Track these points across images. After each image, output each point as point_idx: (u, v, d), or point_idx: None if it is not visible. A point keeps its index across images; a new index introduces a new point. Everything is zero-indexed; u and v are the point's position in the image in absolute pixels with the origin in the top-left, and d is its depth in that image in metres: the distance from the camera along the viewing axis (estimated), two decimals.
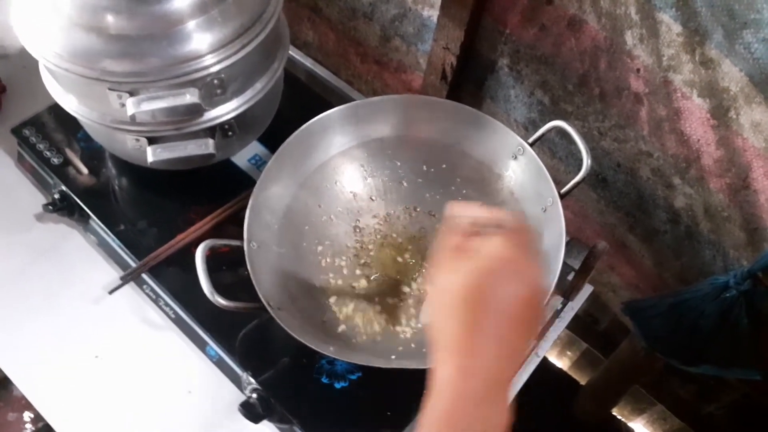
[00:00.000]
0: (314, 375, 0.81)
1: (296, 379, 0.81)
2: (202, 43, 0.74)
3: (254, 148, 0.99)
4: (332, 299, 0.84)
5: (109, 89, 0.74)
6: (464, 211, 0.50)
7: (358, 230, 0.90)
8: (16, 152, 1.00)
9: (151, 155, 0.80)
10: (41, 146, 0.96)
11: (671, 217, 0.94)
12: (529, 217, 0.84)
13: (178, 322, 0.88)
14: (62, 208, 0.93)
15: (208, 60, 0.74)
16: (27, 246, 0.94)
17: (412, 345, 0.79)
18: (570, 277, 0.88)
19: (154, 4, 0.71)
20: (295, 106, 1.00)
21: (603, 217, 1.04)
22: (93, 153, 0.97)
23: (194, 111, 0.79)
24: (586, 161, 0.77)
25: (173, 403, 0.84)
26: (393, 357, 0.76)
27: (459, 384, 0.42)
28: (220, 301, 0.71)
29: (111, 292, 0.89)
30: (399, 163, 0.93)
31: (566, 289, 0.90)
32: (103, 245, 0.94)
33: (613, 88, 0.86)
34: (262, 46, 0.79)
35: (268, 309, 0.72)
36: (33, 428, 1.43)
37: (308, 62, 1.19)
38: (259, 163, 0.98)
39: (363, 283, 0.86)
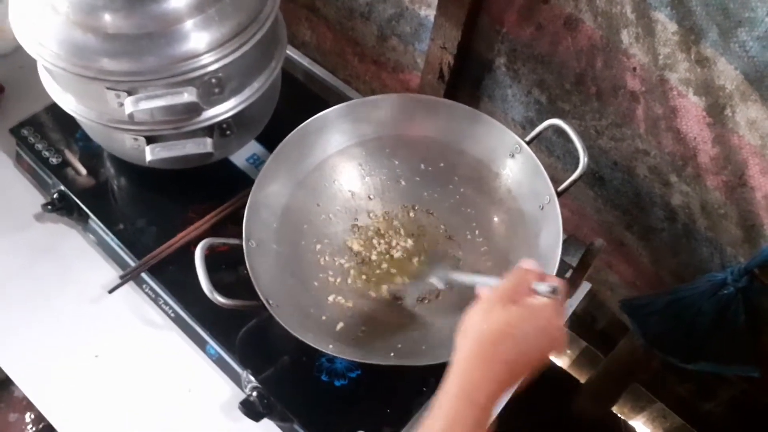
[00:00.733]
0: (314, 373, 0.81)
1: (296, 377, 0.81)
2: (200, 42, 0.74)
3: (252, 147, 0.99)
4: (331, 297, 0.84)
5: (107, 88, 0.75)
6: (534, 269, 0.57)
7: (356, 228, 0.91)
8: (14, 152, 1.00)
9: (150, 154, 0.81)
10: (40, 146, 0.97)
11: (668, 214, 0.94)
12: (526, 214, 0.84)
13: (177, 321, 0.88)
14: (61, 207, 0.93)
15: (206, 59, 0.75)
16: (26, 246, 0.95)
17: (411, 342, 0.79)
18: (568, 274, 0.88)
19: (151, 4, 0.72)
20: (292, 105, 1.00)
21: (600, 215, 1.05)
22: (91, 152, 0.97)
23: (192, 110, 0.79)
24: (583, 159, 0.78)
25: (173, 402, 0.84)
26: (392, 354, 0.76)
27: (460, 410, 0.49)
28: (220, 299, 0.72)
29: (110, 291, 0.89)
30: (397, 162, 0.93)
31: None
32: (102, 245, 0.94)
33: (610, 87, 0.87)
34: (259, 45, 0.79)
35: (267, 307, 0.73)
36: (34, 429, 1.44)
37: (306, 61, 1.19)
38: (258, 162, 0.98)
39: (361, 281, 0.86)
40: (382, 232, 0.90)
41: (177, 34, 0.73)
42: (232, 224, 0.91)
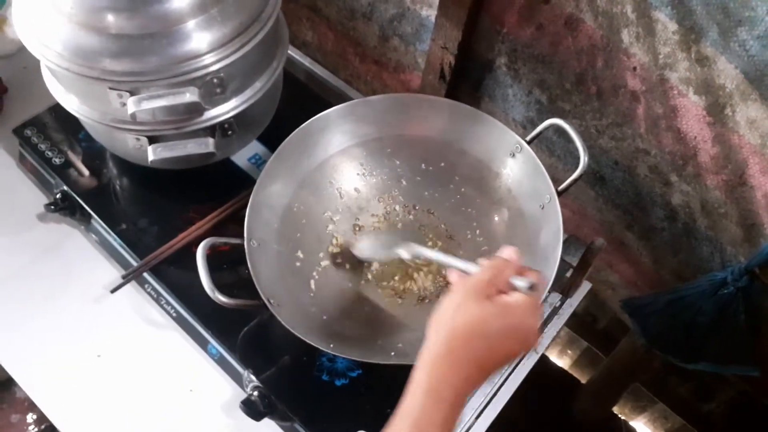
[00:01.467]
0: (315, 372, 0.82)
1: (297, 377, 0.81)
2: (202, 42, 0.75)
3: (254, 147, 0.99)
4: (332, 296, 0.84)
5: (110, 88, 0.75)
6: (513, 260, 0.55)
7: (357, 228, 0.91)
8: (17, 152, 1.01)
9: (152, 154, 0.81)
10: (43, 146, 0.97)
11: (669, 214, 0.94)
12: (527, 214, 0.84)
13: (179, 320, 0.88)
14: (64, 207, 0.94)
15: (208, 59, 0.75)
16: (29, 246, 0.95)
17: (412, 342, 0.79)
18: (568, 274, 0.88)
19: (154, 4, 0.72)
20: (294, 105, 1.00)
21: (601, 215, 1.05)
22: (94, 153, 0.98)
23: (194, 110, 0.79)
24: (583, 159, 0.78)
25: (175, 402, 0.84)
26: (392, 354, 0.76)
27: (428, 407, 0.49)
28: (221, 298, 0.72)
29: (113, 291, 0.89)
30: (398, 162, 0.93)
31: (564, 286, 0.91)
32: (104, 244, 0.94)
33: (610, 87, 0.87)
34: (261, 45, 0.80)
35: (269, 306, 0.73)
36: (36, 429, 1.44)
37: (307, 62, 1.19)
38: (259, 162, 0.99)
39: (363, 280, 0.87)
40: (383, 231, 0.90)
41: (179, 34, 0.73)
42: (233, 224, 0.91)
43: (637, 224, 1.01)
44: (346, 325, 0.81)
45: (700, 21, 0.72)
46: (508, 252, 0.56)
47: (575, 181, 0.78)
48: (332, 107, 0.88)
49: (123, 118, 0.79)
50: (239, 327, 0.84)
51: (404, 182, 0.93)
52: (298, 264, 0.85)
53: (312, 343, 0.71)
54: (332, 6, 1.20)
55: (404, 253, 0.77)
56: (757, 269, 0.80)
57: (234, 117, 0.84)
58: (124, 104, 0.75)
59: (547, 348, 0.92)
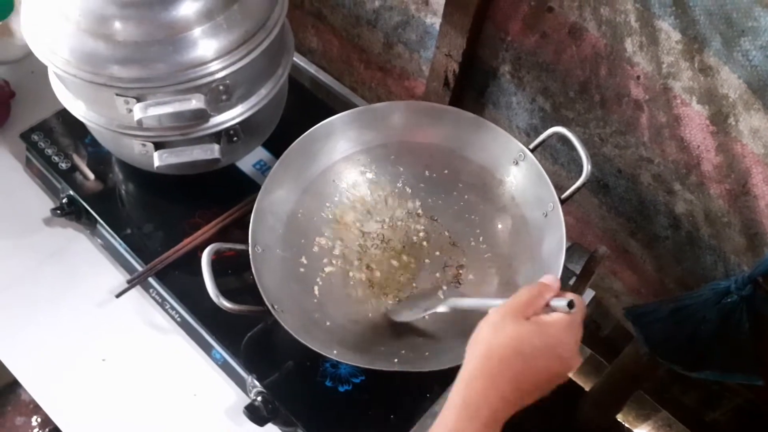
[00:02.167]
0: (318, 378, 0.82)
1: (300, 383, 0.82)
2: (208, 49, 0.75)
3: (259, 153, 1.00)
4: (336, 303, 0.84)
5: (117, 95, 0.76)
6: (553, 285, 0.55)
7: (361, 235, 0.91)
8: (24, 157, 1.02)
9: (158, 160, 0.81)
10: (49, 151, 0.98)
11: (672, 222, 0.94)
12: (530, 221, 0.85)
13: (183, 325, 0.89)
14: (69, 212, 0.94)
15: (214, 66, 0.76)
16: (34, 250, 0.96)
17: (415, 348, 0.79)
18: (572, 282, 0.88)
19: (160, 12, 0.73)
20: (299, 112, 1.01)
21: (605, 223, 1.05)
22: (100, 158, 0.98)
23: (200, 116, 0.80)
24: (587, 167, 0.78)
25: (179, 406, 0.85)
26: (396, 360, 0.76)
27: (460, 423, 0.48)
28: (226, 304, 0.72)
29: (117, 295, 0.90)
30: (402, 169, 0.94)
31: None
32: (109, 249, 0.95)
33: (614, 95, 0.87)
34: (266, 52, 0.80)
35: (273, 312, 0.73)
36: None
37: (312, 69, 1.20)
38: (264, 168, 0.99)
39: (366, 287, 0.87)
40: (387, 238, 0.91)
41: (185, 41, 0.74)
42: (238, 229, 0.91)
43: (640, 232, 1.01)
44: (349, 332, 0.81)
45: (704, 31, 0.72)
46: (549, 278, 0.56)
47: (579, 189, 0.78)
48: (337, 114, 0.88)
49: (129, 124, 0.79)
50: (243, 332, 0.84)
51: (408, 189, 0.94)
52: (302, 270, 0.86)
53: (316, 350, 0.71)
54: (337, 13, 1.21)
55: (442, 308, 0.77)
56: (760, 278, 0.80)
57: (239, 123, 0.84)
58: (131, 110, 0.76)
59: None
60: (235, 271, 0.87)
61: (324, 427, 0.79)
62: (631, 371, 1.20)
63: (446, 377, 0.84)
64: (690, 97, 0.79)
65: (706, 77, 0.76)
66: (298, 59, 1.20)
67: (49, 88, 0.86)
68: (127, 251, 0.91)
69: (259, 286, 0.75)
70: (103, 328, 0.90)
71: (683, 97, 0.80)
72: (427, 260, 0.89)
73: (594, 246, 0.85)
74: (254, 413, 0.78)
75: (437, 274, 0.87)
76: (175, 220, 0.93)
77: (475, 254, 0.89)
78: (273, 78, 0.87)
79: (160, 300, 0.90)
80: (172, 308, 0.89)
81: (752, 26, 0.68)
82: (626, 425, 1.49)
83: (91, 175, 0.96)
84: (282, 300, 0.77)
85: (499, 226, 0.89)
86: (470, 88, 1.07)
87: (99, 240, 0.96)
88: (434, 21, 1.03)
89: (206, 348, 0.87)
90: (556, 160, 1.03)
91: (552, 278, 0.56)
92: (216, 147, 0.83)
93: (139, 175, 0.93)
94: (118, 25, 0.72)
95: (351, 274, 0.88)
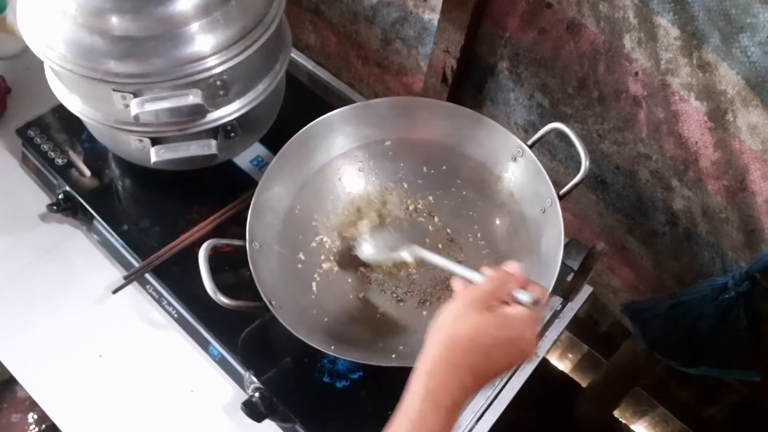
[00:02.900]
0: (316, 374, 0.82)
1: (298, 378, 0.82)
2: (205, 44, 0.75)
3: (256, 149, 1.00)
4: (333, 298, 0.84)
5: (113, 90, 0.75)
6: (517, 275, 0.56)
7: (359, 231, 0.91)
8: (20, 153, 1.01)
9: (155, 156, 0.81)
10: (45, 147, 0.97)
11: (670, 219, 0.94)
12: (528, 218, 0.85)
13: (180, 321, 0.89)
14: (66, 208, 0.94)
15: (211, 61, 0.75)
16: (31, 246, 0.95)
17: (413, 344, 0.79)
18: (569, 278, 0.88)
19: (158, 6, 0.72)
20: (296, 108, 1.01)
21: (602, 219, 1.05)
22: (97, 153, 0.98)
23: (197, 112, 0.80)
24: (585, 163, 0.78)
25: (176, 402, 0.85)
26: (393, 356, 0.77)
27: (425, 412, 0.49)
28: (223, 300, 0.72)
29: (114, 291, 0.89)
30: (400, 165, 0.94)
31: (565, 290, 0.91)
32: (106, 245, 0.95)
33: (612, 91, 0.87)
34: (264, 48, 0.80)
35: (270, 308, 0.73)
36: (37, 429, 1.44)
37: (310, 65, 1.20)
38: (261, 164, 0.99)
39: (363, 281, 0.87)
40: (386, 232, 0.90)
41: (183, 36, 0.74)
42: (235, 225, 0.91)
43: (638, 229, 1.01)
44: (347, 328, 0.81)
45: (702, 27, 0.72)
46: (512, 266, 0.57)
47: (576, 185, 0.78)
48: (334, 110, 0.88)
49: (126, 119, 0.79)
50: (241, 328, 0.84)
51: (406, 185, 0.94)
52: (299, 266, 0.85)
53: (313, 345, 0.71)
54: (335, 9, 1.20)
55: (407, 255, 0.78)
56: (758, 274, 0.80)
57: (237, 119, 0.84)
58: (128, 106, 0.76)
59: (548, 352, 0.92)
60: (232, 267, 0.87)
61: (322, 423, 0.78)
62: (628, 368, 1.20)
63: None
64: (688, 93, 0.79)
65: (704, 73, 0.76)
66: (296, 55, 1.20)
67: (46, 84, 0.86)
68: (123, 247, 0.91)
69: (256, 282, 0.75)
70: (99, 324, 0.90)
71: (681, 93, 0.80)
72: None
73: (592, 242, 0.85)
74: (252, 409, 0.78)
75: (435, 270, 0.87)
76: (172, 216, 0.93)
77: (473, 250, 0.89)
78: (270, 74, 0.87)
79: (157, 296, 0.90)
80: (169, 304, 0.89)
81: (751, 22, 0.68)
82: (623, 421, 1.49)
83: (88, 171, 0.96)
84: (279, 296, 0.77)
85: (498, 222, 0.89)
86: (468, 85, 1.06)
87: (95, 236, 0.96)
88: (432, 17, 1.03)
89: (203, 344, 0.87)
90: (554, 156, 1.03)
91: (516, 266, 0.57)
92: (213, 143, 0.82)
93: (136, 170, 0.93)
94: (114, 19, 0.72)
95: (349, 270, 0.88)
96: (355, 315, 0.84)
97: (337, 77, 1.20)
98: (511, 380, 0.87)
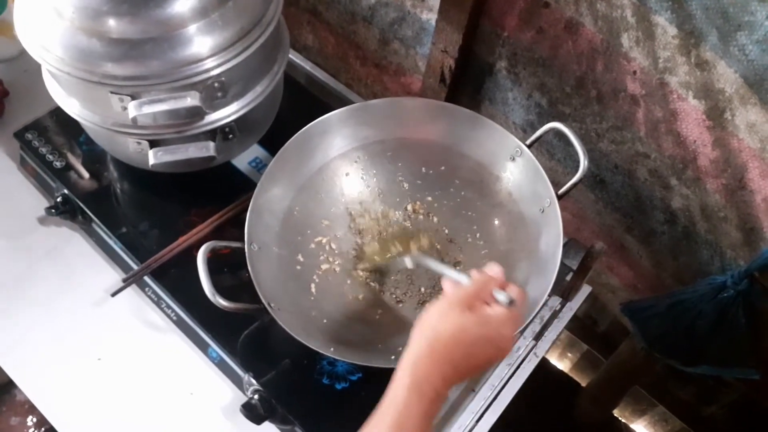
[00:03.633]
0: (315, 376, 0.82)
1: (297, 381, 0.82)
2: (203, 46, 0.75)
3: (255, 150, 1.00)
4: (332, 300, 0.84)
5: (111, 93, 0.75)
6: (497, 277, 0.60)
7: (357, 232, 0.91)
8: (18, 156, 1.01)
9: (153, 158, 0.81)
10: (43, 150, 0.97)
11: (669, 217, 0.94)
12: (527, 218, 0.84)
13: (179, 324, 0.89)
14: (64, 211, 0.94)
15: (209, 63, 0.75)
16: (29, 249, 0.95)
17: None
18: (568, 277, 0.88)
19: (155, 8, 0.72)
20: (295, 109, 1.01)
21: (601, 218, 1.05)
22: (95, 156, 0.98)
23: (195, 114, 0.80)
24: (583, 162, 0.78)
25: (175, 405, 0.85)
26: (393, 357, 0.76)
27: (409, 401, 0.53)
28: (222, 302, 0.72)
29: (113, 294, 0.89)
30: (398, 165, 0.94)
31: (564, 290, 0.91)
32: (105, 248, 0.95)
33: (610, 90, 0.87)
34: (262, 49, 0.80)
35: (269, 310, 0.73)
36: None
37: (308, 65, 1.20)
38: (260, 166, 0.99)
39: (363, 283, 0.87)
40: (384, 235, 0.90)
41: (180, 38, 0.74)
42: (234, 227, 0.91)
43: (637, 228, 1.01)
44: (346, 329, 0.81)
45: (700, 25, 0.72)
46: (493, 269, 0.61)
47: (575, 184, 0.78)
48: (333, 111, 0.88)
49: (124, 122, 0.79)
50: (240, 330, 0.84)
51: (405, 185, 0.94)
52: (298, 268, 0.85)
53: (313, 347, 0.71)
54: (333, 10, 1.20)
55: (409, 262, 0.82)
56: (756, 273, 0.80)
57: (235, 121, 0.84)
58: (125, 108, 0.76)
59: (547, 351, 0.92)
60: (231, 269, 0.87)
61: (321, 425, 0.78)
62: (627, 367, 1.20)
63: None
64: (686, 91, 0.79)
65: (702, 72, 0.76)
66: (294, 56, 1.20)
67: (43, 87, 0.85)
68: (122, 250, 0.91)
69: (255, 284, 0.75)
70: (98, 327, 0.89)
71: (680, 91, 0.80)
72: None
73: (591, 241, 0.85)
74: (251, 412, 0.78)
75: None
76: (170, 218, 0.93)
77: (472, 251, 0.89)
78: (268, 75, 0.87)
79: (155, 299, 0.90)
80: (168, 307, 0.89)
81: (748, 20, 0.68)
82: (623, 420, 1.49)
83: (86, 174, 0.96)
84: (278, 298, 0.77)
85: (496, 222, 0.89)
86: (467, 85, 1.06)
87: (94, 239, 0.96)
88: (430, 17, 1.03)
89: (202, 346, 0.87)
90: (553, 155, 1.03)
91: (497, 269, 0.61)
92: (211, 145, 0.82)
93: (134, 173, 0.93)
94: (112, 22, 0.72)
95: (348, 271, 0.88)
96: (354, 316, 0.83)
97: (336, 78, 1.20)
98: (511, 380, 0.87)
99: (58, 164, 0.96)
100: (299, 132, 0.86)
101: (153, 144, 0.82)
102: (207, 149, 0.82)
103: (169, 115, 0.78)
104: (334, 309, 0.83)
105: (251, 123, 0.90)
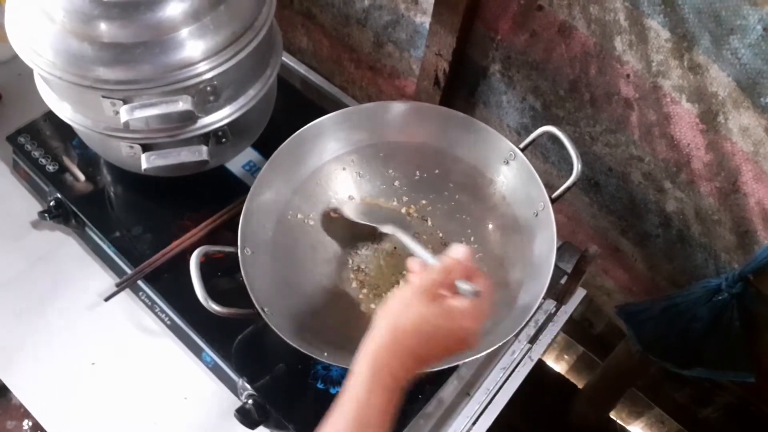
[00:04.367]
0: (309, 380, 0.82)
1: (292, 385, 0.81)
2: (195, 50, 0.75)
3: (248, 154, 0.99)
4: (326, 304, 0.84)
5: (103, 97, 0.75)
6: (463, 262, 0.58)
7: (351, 236, 0.91)
8: (11, 160, 1.01)
9: (145, 162, 0.81)
10: (36, 154, 0.97)
11: (663, 220, 0.94)
12: (521, 221, 0.84)
13: (173, 328, 0.88)
14: (58, 215, 0.94)
15: (201, 67, 0.75)
16: (22, 253, 0.95)
17: None
18: (563, 281, 0.88)
19: (146, 12, 0.72)
20: (288, 112, 1.01)
21: (596, 221, 1.05)
22: (88, 160, 0.98)
23: (187, 118, 0.79)
24: (577, 166, 0.78)
25: (169, 410, 0.84)
26: None
27: (370, 391, 0.53)
28: (214, 307, 0.72)
29: (107, 299, 0.89)
30: (392, 169, 0.93)
31: (559, 293, 0.91)
32: (98, 252, 0.94)
33: (604, 94, 0.87)
34: (254, 53, 0.80)
35: (263, 315, 0.73)
36: None
37: (302, 68, 1.20)
38: (253, 170, 0.99)
39: (356, 288, 0.86)
40: (378, 239, 0.90)
41: (172, 42, 0.73)
42: (227, 231, 0.91)
43: (631, 230, 1.01)
44: (340, 333, 0.81)
45: (693, 29, 0.72)
46: (460, 251, 0.59)
47: (569, 188, 0.78)
48: (327, 114, 0.88)
49: (116, 126, 0.79)
50: (234, 335, 0.84)
51: (399, 189, 0.93)
52: (292, 272, 0.85)
53: (306, 352, 0.70)
54: (327, 13, 1.20)
55: (387, 228, 0.82)
56: (751, 276, 0.80)
57: (228, 125, 0.84)
58: (117, 112, 0.75)
59: (543, 353, 0.92)
60: (224, 273, 0.86)
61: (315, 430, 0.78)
62: (623, 369, 1.20)
63: (438, 378, 0.84)
64: (679, 95, 0.79)
65: (695, 75, 0.76)
66: (288, 59, 1.20)
67: (36, 91, 0.85)
68: (115, 254, 0.90)
69: (248, 289, 0.74)
70: (92, 331, 0.89)
71: (673, 95, 0.80)
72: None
73: (585, 245, 0.85)
74: (245, 416, 0.78)
75: None
76: (163, 222, 0.93)
77: None
78: (261, 78, 0.87)
79: (149, 303, 0.90)
80: (162, 311, 0.88)
81: (741, 24, 0.68)
82: (619, 422, 1.50)
83: (80, 178, 0.96)
84: (272, 302, 0.76)
85: (490, 225, 0.89)
86: (461, 88, 1.06)
87: (87, 243, 0.95)
88: (424, 20, 1.03)
89: (196, 351, 0.87)
90: (547, 158, 1.03)
91: (462, 250, 0.59)
92: (204, 148, 0.82)
93: (127, 177, 0.93)
94: (103, 26, 0.72)
95: (341, 275, 0.87)
96: (348, 320, 0.83)
97: (330, 81, 1.20)
98: (507, 383, 0.87)
99: (51, 168, 0.96)
100: (293, 135, 0.86)
101: (145, 148, 0.82)
102: (200, 153, 0.82)
103: (162, 119, 0.78)
104: (328, 313, 0.83)
105: (244, 126, 0.90)
